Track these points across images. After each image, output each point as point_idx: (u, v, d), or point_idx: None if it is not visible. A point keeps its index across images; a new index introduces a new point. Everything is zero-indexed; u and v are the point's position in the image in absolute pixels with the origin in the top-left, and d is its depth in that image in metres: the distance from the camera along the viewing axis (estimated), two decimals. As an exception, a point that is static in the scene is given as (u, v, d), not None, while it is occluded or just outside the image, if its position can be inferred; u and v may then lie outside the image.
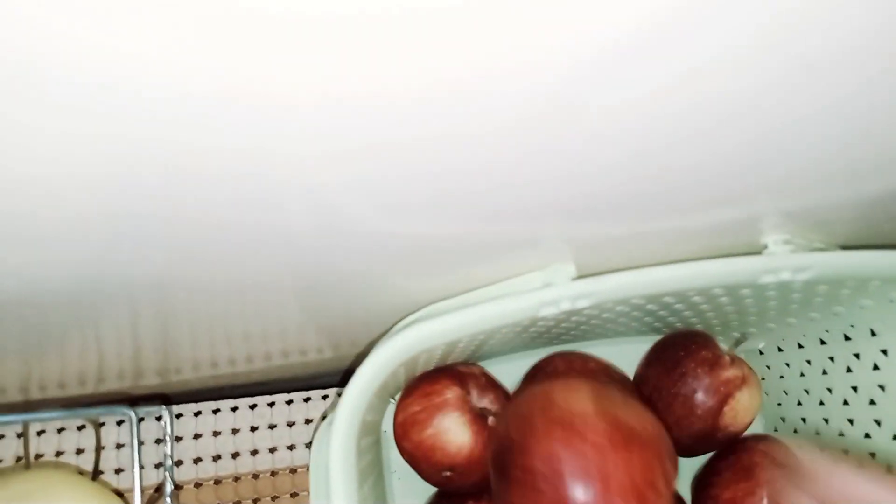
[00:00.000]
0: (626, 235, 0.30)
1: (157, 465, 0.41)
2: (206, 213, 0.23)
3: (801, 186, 0.28)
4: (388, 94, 0.18)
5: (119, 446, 0.42)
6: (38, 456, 0.36)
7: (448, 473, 0.37)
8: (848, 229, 0.33)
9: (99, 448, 0.35)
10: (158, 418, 0.37)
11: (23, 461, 0.35)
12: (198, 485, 0.44)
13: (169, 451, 0.32)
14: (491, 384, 0.40)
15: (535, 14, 0.16)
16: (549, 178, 0.24)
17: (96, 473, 0.37)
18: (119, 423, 0.41)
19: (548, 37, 0.17)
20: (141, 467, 0.31)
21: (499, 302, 0.28)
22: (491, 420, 0.38)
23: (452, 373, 0.39)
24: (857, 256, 0.31)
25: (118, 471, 0.40)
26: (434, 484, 0.39)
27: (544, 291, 0.28)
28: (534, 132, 0.21)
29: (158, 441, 0.41)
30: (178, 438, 0.44)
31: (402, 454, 0.39)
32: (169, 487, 0.32)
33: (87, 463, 0.40)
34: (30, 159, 0.18)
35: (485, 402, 0.39)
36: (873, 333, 0.38)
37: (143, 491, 0.33)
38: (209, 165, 0.20)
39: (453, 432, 0.37)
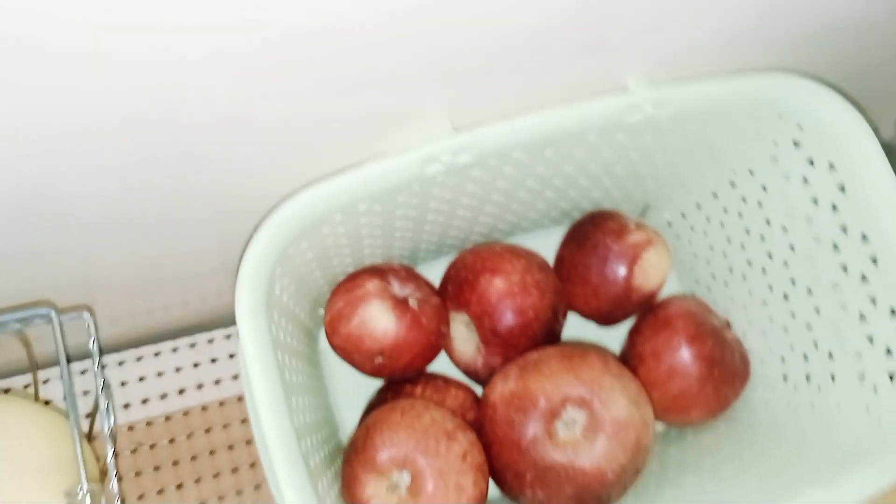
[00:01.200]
0: (499, 92, 0.32)
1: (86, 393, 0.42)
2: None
3: (656, 21, 0.31)
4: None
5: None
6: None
7: (380, 359, 0.40)
8: (711, 63, 0.36)
9: (33, 365, 0.36)
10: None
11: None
12: (130, 428, 0.45)
13: (95, 350, 0.33)
14: (412, 276, 0.42)
15: None
16: (420, 37, 0.26)
17: (36, 395, 0.38)
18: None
19: None
20: (73, 381, 0.32)
21: (383, 160, 0.30)
22: (412, 302, 0.40)
23: (371, 269, 0.41)
24: (714, 85, 0.34)
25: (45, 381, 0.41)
26: (371, 374, 0.41)
27: (425, 146, 0.30)
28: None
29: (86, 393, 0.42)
30: (123, 383, 0.46)
31: (336, 351, 0.41)
32: (100, 382, 0.33)
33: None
34: None
35: (406, 290, 0.41)
36: (751, 173, 0.41)
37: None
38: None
39: (377, 319, 0.39)
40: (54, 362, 0.41)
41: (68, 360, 0.32)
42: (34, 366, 0.35)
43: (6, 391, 0.39)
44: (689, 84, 0.34)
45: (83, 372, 0.44)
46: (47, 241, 0.33)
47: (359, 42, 0.26)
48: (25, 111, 0.24)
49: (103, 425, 0.34)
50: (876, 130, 0.37)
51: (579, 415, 0.35)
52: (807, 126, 0.36)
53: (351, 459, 0.34)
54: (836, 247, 0.37)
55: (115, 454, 0.34)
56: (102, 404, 0.33)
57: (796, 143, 0.37)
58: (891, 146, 0.55)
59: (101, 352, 0.34)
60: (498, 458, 0.36)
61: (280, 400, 0.28)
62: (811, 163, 0.37)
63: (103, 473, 0.35)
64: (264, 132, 0.30)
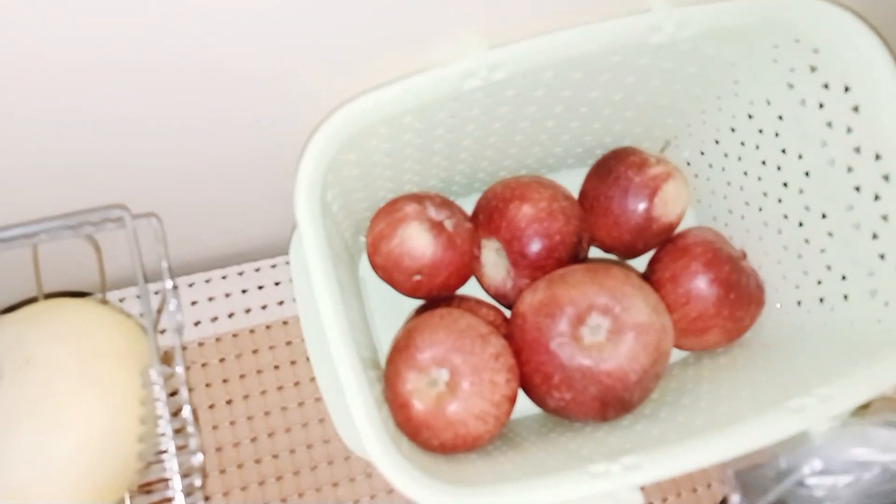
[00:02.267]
0: (530, 14, 0.35)
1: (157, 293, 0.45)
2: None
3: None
4: None
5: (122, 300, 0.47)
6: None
7: (418, 277, 0.42)
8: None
9: (101, 268, 0.39)
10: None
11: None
12: (200, 344, 0.49)
13: (164, 253, 0.36)
14: (446, 202, 0.45)
15: None
16: None
17: (104, 296, 0.41)
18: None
19: None
20: (145, 280, 0.35)
21: (423, 74, 0.33)
22: (448, 224, 0.43)
23: (410, 195, 0.44)
24: (734, 4, 0.36)
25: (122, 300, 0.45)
26: (409, 293, 0.44)
27: (463, 61, 0.33)
28: None
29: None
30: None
31: (377, 271, 0.44)
32: (169, 284, 0.36)
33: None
34: None
35: (442, 215, 0.43)
36: (768, 103, 0.43)
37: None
38: None
39: (416, 238, 0.42)
40: (127, 282, 0.44)
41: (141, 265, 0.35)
42: (103, 271, 0.39)
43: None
44: (710, 4, 0.36)
45: (156, 293, 0.47)
46: (117, 153, 0.36)
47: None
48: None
49: (171, 320, 0.37)
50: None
51: (603, 320, 0.38)
52: (823, 49, 0.38)
53: (394, 358, 0.37)
54: (849, 168, 0.39)
55: (183, 347, 0.37)
56: (170, 299, 0.36)
57: (813, 68, 0.39)
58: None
59: (168, 250, 0.38)
60: (527, 362, 0.39)
61: (337, 295, 0.31)
62: (826, 87, 0.39)
63: (169, 361, 0.38)
64: (311, 48, 0.33)
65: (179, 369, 0.35)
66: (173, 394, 0.35)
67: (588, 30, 0.35)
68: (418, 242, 0.42)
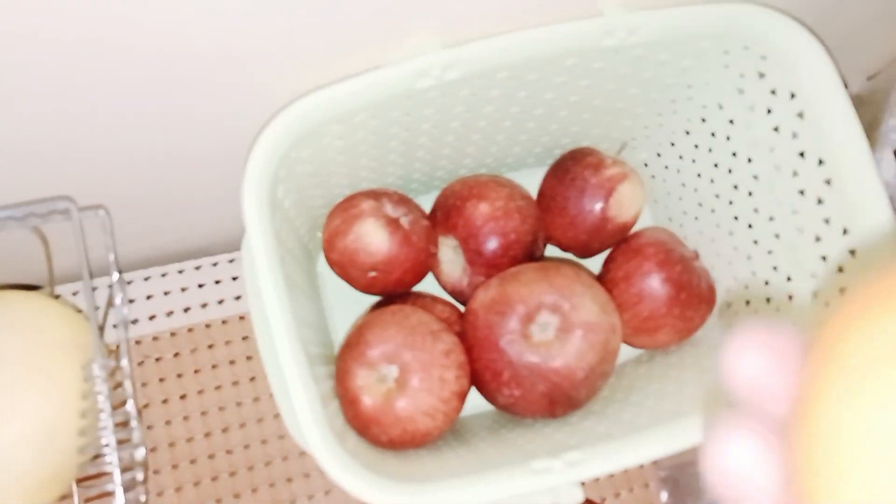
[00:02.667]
0: (484, 15, 0.35)
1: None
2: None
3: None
4: None
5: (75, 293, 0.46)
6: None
7: (373, 273, 0.43)
8: None
9: (49, 260, 0.39)
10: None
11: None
12: (137, 342, 0.48)
13: (111, 245, 0.36)
14: (403, 199, 0.45)
15: None
16: None
17: (52, 292, 0.41)
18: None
19: None
20: (90, 267, 0.35)
21: (375, 71, 0.33)
22: (404, 221, 0.43)
23: (367, 192, 0.44)
24: (683, 10, 0.37)
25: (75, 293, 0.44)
26: (364, 289, 0.45)
27: (416, 59, 0.33)
28: None
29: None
30: (131, 301, 0.49)
31: (333, 268, 0.44)
32: (115, 278, 0.36)
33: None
34: None
35: (399, 212, 0.44)
36: (720, 107, 0.44)
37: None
38: None
39: (371, 235, 0.42)
40: (74, 276, 0.44)
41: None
42: (50, 263, 0.38)
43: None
44: (661, 10, 0.37)
45: (94, 289, 0.47)
46: (64, 138, 0.36)
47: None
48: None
49: (118, 315, 0.37)
50: (846, 82, 0.40)
51: (552, 318, 0.38)
52: (770, 56, 0.39)
53: (345, 354, 0.38)
54: (795, 173, 0.40)
55: (136, 342, 0.37)
56: (117, 291, 0.36)
57: (761, 74, 0.40)
58: (860, 97, 0.58)
59: (115, 241, 0.37)
60: (478, 359, 0.39)
61: (283, 287, 0.31)
62: (773, 93, 0.40)
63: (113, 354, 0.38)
64: (267, 43, 0.33)
65: (124, 362, 0.34)
66: (118, 387, 0.34)
67: (540, 32, 0.35)
68: (373, 239, 0.42)
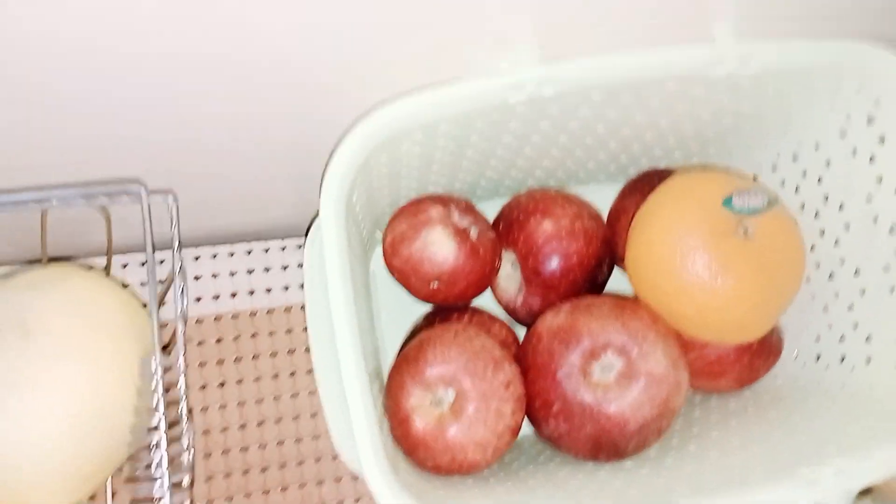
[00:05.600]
0: (588, 29, 0.33)
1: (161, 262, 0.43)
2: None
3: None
4: None
5: (125, 265, 0.45)
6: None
7: (435, 284, 0.41)
8: (800, 29, 0.36)
9: (110, 241, 0.38)
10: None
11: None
12: (198, 321, 0.47)
13: (176, 233, 0.35)
14: (470, 208, 0.43)
15: None
16: None
17: (108, 271, 0.40)
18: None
19: None
20: (155, 260, 0.33)
21: (468, 82, 0.31)
22: (473, 232, 0.41)
23: (435, 197, 0.42)
24: (798, 46, 0.34)
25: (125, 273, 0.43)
26: (423, 298, 0.43)
27: (512, 73, 0.31)
28: None
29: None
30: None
31: (393, 273, 0.42)
32: (178, 264, 0.35)
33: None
34: None
35: (465, 221, 0.42)
36: (817, 147, 0.41)
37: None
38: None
39: (439, 244, 0.40)
40: (131, 248, 0.42)
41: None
42: (110, 243, 0.37)
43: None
44: (776, 42, 0.34)
45: (161, 262, 0.45)
46: (137, 126, 0.34)
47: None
48: None
49: (176, 305, 0.36)
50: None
51: (617, 361, 0.36)
52: (884, 102, 0.36)
53: (401, 369, 0.36)
54: (893, 229, 0.37)
55: (184, 334, 0.36)
56: (178, 284, 0.34)
57: (870, 119, 0.37)
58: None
59: (179, 230, 0.36)
60: (532, 384, 0.38)
61: (352, 309, 0.30)
62: (882, 140, 0.37)
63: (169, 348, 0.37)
64: (352, 43, 0.31)
65: (180, 361, 0.33)
66: (170, 388, 0.33)
67: (647, 55, 0.33)
68: (441, 248, 0.40)
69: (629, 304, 0.38)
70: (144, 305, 0.38)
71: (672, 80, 0.35)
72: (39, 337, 0.31)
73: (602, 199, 0.49)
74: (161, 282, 0.37)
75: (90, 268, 0.38)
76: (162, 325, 0.35)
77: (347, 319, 0.29)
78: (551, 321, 0.39)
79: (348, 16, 0.30)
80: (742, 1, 0.33)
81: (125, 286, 0.39)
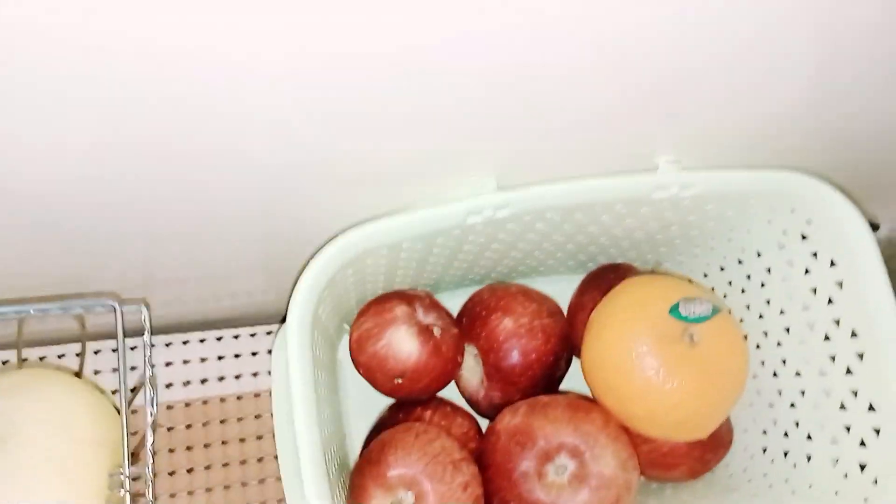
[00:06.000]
0: (541, 154, 0.35)
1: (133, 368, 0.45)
2: (176, 140, 0.28)
3: (688, 112, 0.34)
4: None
5: (97, 372, 0.46)
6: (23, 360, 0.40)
7: (399, 380, 0.43)
8: (730, 157, 0.39)
9: (84, 349, 0.39)
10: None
11: (10, 363, 0.39)
12: (169, 407, 0.48)
13: (147, 340, 0.36)
14: (435, 304, 0.45)
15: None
16: (476, 100, 0.30)
17: (80, 373, 0.41)
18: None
19: None
20: (127, 368, 0.35)
21: (431, 208, 0.34)
22: (436, 331, 0.43)
23: (400, 294, 0.44)
24: (733, 175, 0.37)
25: (96, 372, 0.44)
26: (387, 393, 0.45)
27: (470, 200, 0.34)
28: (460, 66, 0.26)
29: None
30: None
31: (358, 368, 0.44)
32: (148, 373, 0.36)
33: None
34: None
35: (430, 318, 0.44)
36: (759, 255, 0.44)
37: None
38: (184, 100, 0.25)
39: (403, 342, 0.42)
40: (104, 335, 0.44)
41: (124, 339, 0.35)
42: (84, 345, 0.38)
43: (56, 365, 0.42)
44: (714, 171, 0.37)
45: (132, 348, 0.47)
46: (112, 237, 0.36)
47: (424, 102, 0.29)
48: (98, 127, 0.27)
49: (147, 411, 0.37)
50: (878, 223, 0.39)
51: (570, 463, 0.38)
52: (815, 222, 0.39)
53: (363, 470, 0.37)
54: (827, 337, 0.40)
55: (153, 444, 0.37)
56: (148, 394, 0.36)
57: (804, 236, 0.40)
58: (890, 239, 0.58)
59: (151, 337, 0.37)
60: (490, 482, 0.39)
61: (314, 417, 0.31)
62: (814, 255, 0.40)
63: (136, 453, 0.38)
64: (322, 165, 0.34)
65: (148, 470, 0.34)
66: (139, 496, 0.34)
67: (595, 183, 0.36)
68: (405, 346, 0.42)
69: (583, 405, 0.40)
70: (116, 407, 0.39)
71: (620, 203, 0.37)
72: (13, 446, 0.32)
73: (563, 290, 0.51)
74: (132, 390, 0.39)
75: (60, 368, 0.39)
76: (132, 433, 0.36)
77: (310, 441, 0.31)
78: (509, 421, 0.40)
79: (322, 139, 0.32)
80: (682, 136, 0.36)
81: (98, 389, 0.40)
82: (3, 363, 0.45)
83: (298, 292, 0.32)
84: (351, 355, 0.44)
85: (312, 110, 0.29)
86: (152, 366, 0.37)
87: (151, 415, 0.36)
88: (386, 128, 0.30)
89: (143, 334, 0.37)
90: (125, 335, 0.36)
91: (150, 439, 0.36)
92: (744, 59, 0.30)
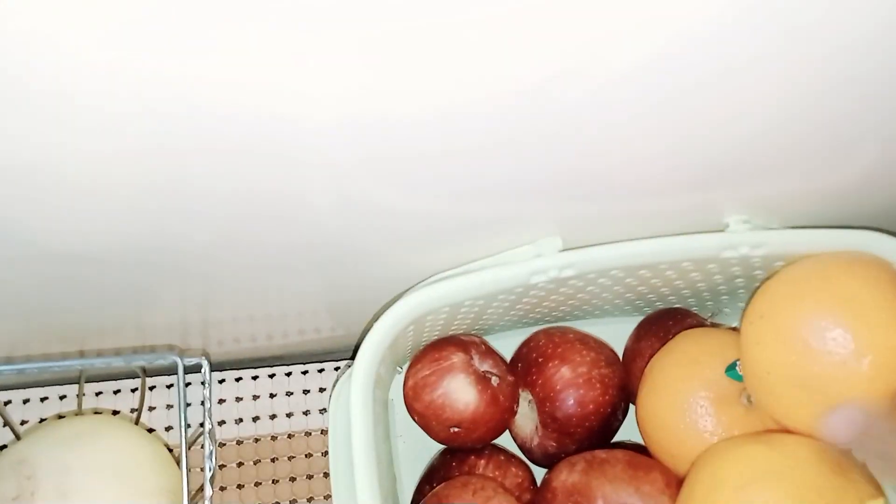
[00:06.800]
0: (606, 215, 0.35)
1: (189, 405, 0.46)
2: (240, 195, 0.28)
3: (760, 176, 0.33)
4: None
5: (152, 409, 0.47)
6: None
7: (456, 429, 0.42)
8: (802, 214, 0.38)
9: (143, 396, 0.39)
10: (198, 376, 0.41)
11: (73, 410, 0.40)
12: (221, 444, 0.49)
13: (208, 394, 0.36)
14: (490, 351, 0.45)
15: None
16: (540, 162, 0.29)
17: (138, 419, 0.41)
18: (153, 387, 0.46)
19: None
20: (187, 423, 0.35)
21: (496, 268, 0.33)
22: (494, 380, 0.42)
23: (456, 341, 0.44)
24: (807, 234, 0.36)
25: (151, 408, 0.45)
26: (442, 441, 0.44)
27: (535, 261, 0.33)
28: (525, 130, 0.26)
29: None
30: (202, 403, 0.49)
31: (413, 415, 0.44)
32: (208, 426, 0.36)
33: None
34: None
35: (486, 365, 0.43)
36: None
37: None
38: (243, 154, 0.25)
39: (461, 392, 0.41)
40: (160, 371, 0.44)
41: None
42: (143, 397, 0.39)
43: (115, 412, 0.43)
44: (786, 231, 0.36)
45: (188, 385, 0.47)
46: (174, 283, 0.37)
47: (491, 161, 0.29)
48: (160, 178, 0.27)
49: (206, 465, 0.37)
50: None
51: (631, 524, 0.37)
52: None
53: (418, 527, 0.37)
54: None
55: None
56: (207, 447, 0.36)
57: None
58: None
59: (212, 391, 0.38)
60: (545, 541, 0.39)
61: (375, 479, 0.31)
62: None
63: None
64: (388, 220, 0.34)
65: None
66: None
67: (662, 242, 0.35)
68: (462, 396, 0.41)
69: (643, 464, 0.39)
70: (171, 450, 0.39)
71: (687, 261, 0.36)
72: (75, 498, 0.32)
73: (617, 332, 0.50)
74: (189, 445, 0.39)
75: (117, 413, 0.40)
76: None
77: (371, 496, 0.31)
78: (566, 477, 0.40)
79: (385, 197, 0.32)
80: (753, 197, 0.35)
81: (158, 438, 0.41)
82: (61, 398, 0.46)
83: (362, 355, 0.32)
84: (405, 402, 0.44)
85: (381, 169, 0.29)
86: (212, 422, 0.37)
87: (210, 469, 0.36)
88: (456, 190, 0.30)
89: (202, 383, 0.37)
90: (185, 405, 0.36)
91: (209, 492, 0.36)
92: (822, 131, 0.29)
